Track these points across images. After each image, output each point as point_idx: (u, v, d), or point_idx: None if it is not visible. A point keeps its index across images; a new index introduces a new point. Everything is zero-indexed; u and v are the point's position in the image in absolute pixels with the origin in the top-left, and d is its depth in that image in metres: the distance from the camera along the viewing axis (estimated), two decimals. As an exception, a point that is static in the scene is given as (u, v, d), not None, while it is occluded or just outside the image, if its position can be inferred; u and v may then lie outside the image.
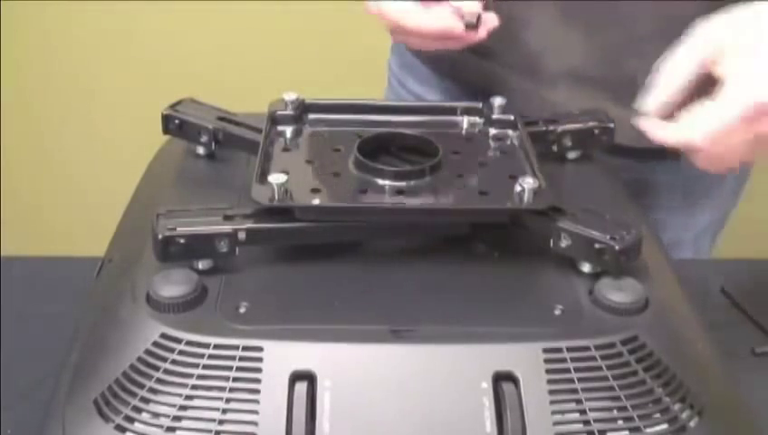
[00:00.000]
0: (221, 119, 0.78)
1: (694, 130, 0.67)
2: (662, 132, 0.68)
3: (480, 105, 0.78)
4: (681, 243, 1.01)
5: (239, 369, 0.57)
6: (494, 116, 0.77)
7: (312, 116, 0.77)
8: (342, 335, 0.59)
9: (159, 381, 0.57)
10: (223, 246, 0.63)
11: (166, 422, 0.56)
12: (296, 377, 0.56)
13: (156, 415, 0.56)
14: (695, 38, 0.70)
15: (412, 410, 0.56)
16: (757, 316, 0.87)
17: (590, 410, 0.56)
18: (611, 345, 0.58)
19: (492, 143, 0.76)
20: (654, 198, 0.95)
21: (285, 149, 0.74)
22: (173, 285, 0.61)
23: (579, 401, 0.56)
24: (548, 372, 0.57)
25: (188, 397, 0.56)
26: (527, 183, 0.66)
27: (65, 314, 0.69)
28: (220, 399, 0.56)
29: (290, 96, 0.77)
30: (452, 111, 0.79)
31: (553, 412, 0.56)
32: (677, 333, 0.63)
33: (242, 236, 0.64)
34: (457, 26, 0.76)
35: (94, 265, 0.73)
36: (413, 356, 0.58)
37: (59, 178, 1.97)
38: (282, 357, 0.57)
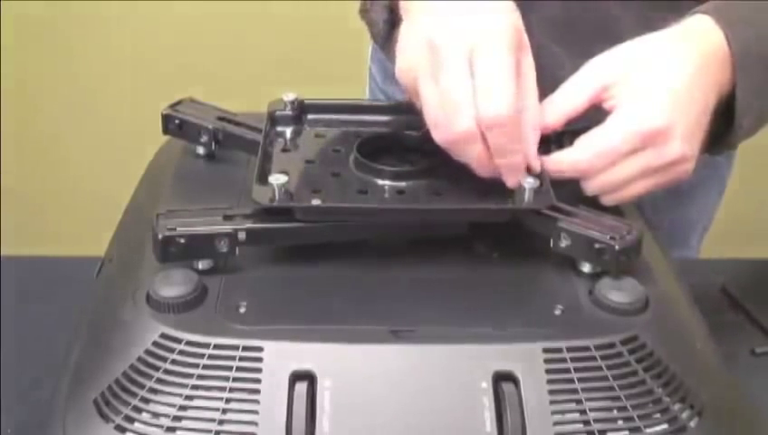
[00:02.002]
0: (221, 119, 0.78)
1: (580, 152, 0.69)
2: (554, 163, 0.69)
3: None
4: (671, 239, 1.01)
5: (239, 369, 0.57)
6: None
7: (311, 116, 0.77)
8: (342, 335, 0.59)
9: (159, 381, 0.57)
10: (223, 246, 0.63)
11: (166, 422, 0.56)
12: (296, 377, 0.56)
13: (156, 415, 0.56)
14: (584, 73, 0.71)
15: (412, 410, 0.56)
16: (757, 316, 0.87)
17: (590, 410, 0.56)
18: (611, 345, 0.58)
19: None
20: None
21: (285, 150, 0.74)
22: (173, 286, 0.61)
23: (579, 401, 0.56)
24: (548, 372, 0.57)
25: (188, 397, 0.56)
26: (527, 183, 0.66)
27: (65, 314, 0.69)
28: (220, 399, 0.56)
29: (289, 96, 0.77)
30: None
31: (553, 412, 0.56)
32: (677, 333, 0.63)
33: (242, 236, 0.64)
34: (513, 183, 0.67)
35: (94, 265, 0.73)
36: (413, 356, 0.58)
37: (59, 178, 1.97)
38: (282, 357, 0.57)
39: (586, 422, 0.56)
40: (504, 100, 0.63)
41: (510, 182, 0.67)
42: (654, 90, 0.69)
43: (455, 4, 0.67)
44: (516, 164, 0.66)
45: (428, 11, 0.68)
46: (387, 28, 0.83)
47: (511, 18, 0.67)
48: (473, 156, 0.66)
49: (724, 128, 0.74)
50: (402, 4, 0.74)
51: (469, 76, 0.64)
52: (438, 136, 0.66)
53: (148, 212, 0.67)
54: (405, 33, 0.70)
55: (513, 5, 0.69)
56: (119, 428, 0.56)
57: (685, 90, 0.69)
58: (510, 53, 0.65)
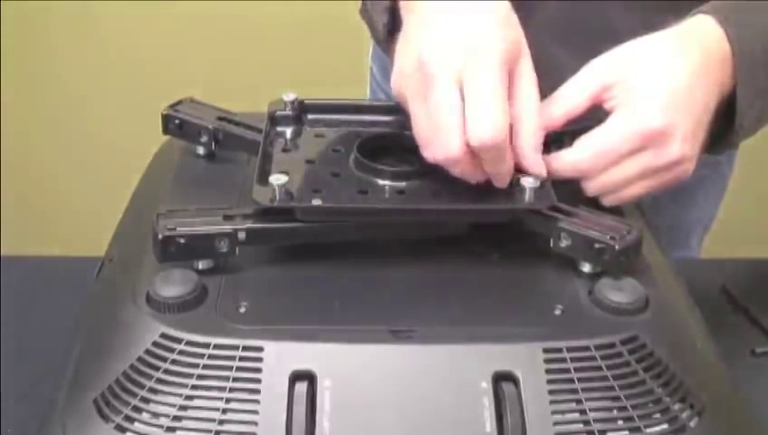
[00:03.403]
0: (221, 119, 0.78)
1: (580, 152, 0.69)
2: (554, 163, 0.69)
3: None
4: (671, 239, 1.01)
5: (239, 369, 0.57)
6: None
7: (311, 116, 0.77)
8: (342, 335, 0.59)
9: (159, 381, 0.57)
10: (223, 246, 0.63)
11: (166, 422, 0.56)
12: (296, 377, 0.56)
13: (156, 415, 0.56)
14: (585, 74, 0.71)
15: (412, 410, 0.56)
16: (757, 316, 0.87)
17: (590, 410, 0.56)
18: (611, 345, 0.58)
19: None
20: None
21: (285, 150, 0.74)
22: (173, 285, 0.61)
23: (579, 401, 0.56)
24: (548, 372, 0.57)
25: (188, 397, 0.56)
26: (528, 182, 0.66)
27: (65, 314, 0.69)
28: (220, 399, 0.56)
29: (289, 96, 0.77)
30: None
31: (553, 412, 0.56)
32: (677, 333, 0.63)
33: (242, 236, 0.64)
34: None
35: (94, 265, 0.73)
36: (413, 356, 0.58)
37: (59, 177, 1.97)
38: (282, 357, 0.57)
39: (586, 422, 0.56)
40: (492, 123, 0.63)
41: (498, 185, 0.67)
42: (654, 90, 0.69)
43: (450, 17, 0.67)
44: (504, 174, 0.66)
45: (424, 24, 0.68)
46: (386, 31, 0.84)
47: (505, 29, 0.67)
48: (461, 172, 0.66)
49: (724, 127, 0.74)
50: (403, 4, 0.74)
51: (458, 97, 0.64)
52: (427, 155, 0.66)
53: (148, 212, 0.67)
54: (400, 47, 0.70)
55: (510, 12, 0.69)
56: (119, 428, 0.56)
57: (685, 90, 0.69)
58: (499, 74, 0.65)
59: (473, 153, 0.64)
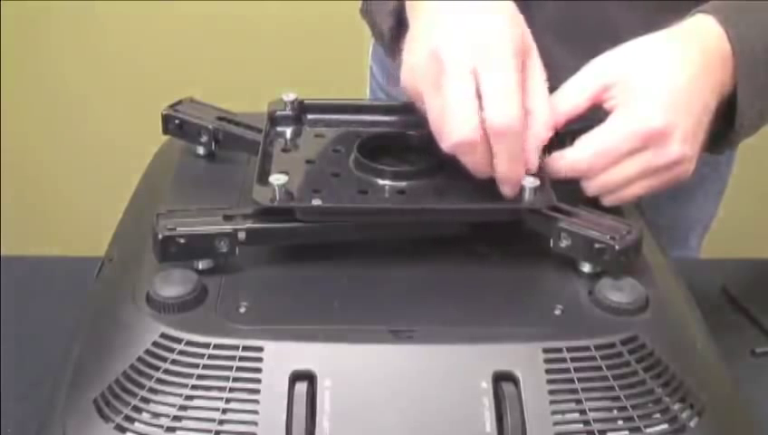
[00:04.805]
0: (221, 119, 0.78)
1: (580, 152, 0.69)
2: (554, 163, 0.70)
3: None
4: (671, 239, 1.01)
5: (239, 369, 0.57)
6: None
7: (311, 116, 0.77)
8: (342, 335, 0.59)
9: (159, 381, 0.57)
10: (223, 246, 0.63)
11: (166, 422, 0.56)
12: (296, 377, 0.56)
13: (156, 415, 0.56)
14: (585, 74, 0.71)
15: (412, 410, 0.56)
16: (757, 316, 0.87)
17: (590, 410, 0.56)
18: (611, 345, 0.58)
19: None
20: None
21: (285, 150, 0.74)
22: (173, 285, 0.61)
23: (579, 401, 0.56)
24: (548, 372, 0.57)
25: (188, 397, 0.56)
26: (528, 182, 0.66)
27: (65, 314, 0.69)
28: (220, 399, 0.56)
29: (289, 96, 0.77)
30: None
31: (553, 412, 0.56)
32: (677, 333, 0.63)
33: (242, 236, 0.64)
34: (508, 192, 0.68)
35: (94, 265, 0.73)
36: (413, 356, 0.58)
37: (59, 177, 1.97)
38: (282, 357, 0.57)
39: (586, 422, 0.56)
40: (513, 109, 0.64)
41: (507, 191, 0.67)
42: (654, 90, 0.69)
43: (460, 16, 0.67)
44: (517, 173, 0.66)
45: (433, 24, 0.68)
46: (391, 35, 0.84)
47: (514, 28, 0.67)
48: (471, 162, 0.66)
49: (725, 127, 0.74)
50: (409, 5, 0.74)
51: (472, 85, 0.64)
52: (443, 144, 0.67)
53: (148, 212, 0.67)
54: (410, 47, 0.70)
55: (516, 12, 0.69)
56: (119, 428, 0.56)
57: (685, 90, 0.69)
58: (515, 64, 0.65)
59: (486, 141, 0.65)
